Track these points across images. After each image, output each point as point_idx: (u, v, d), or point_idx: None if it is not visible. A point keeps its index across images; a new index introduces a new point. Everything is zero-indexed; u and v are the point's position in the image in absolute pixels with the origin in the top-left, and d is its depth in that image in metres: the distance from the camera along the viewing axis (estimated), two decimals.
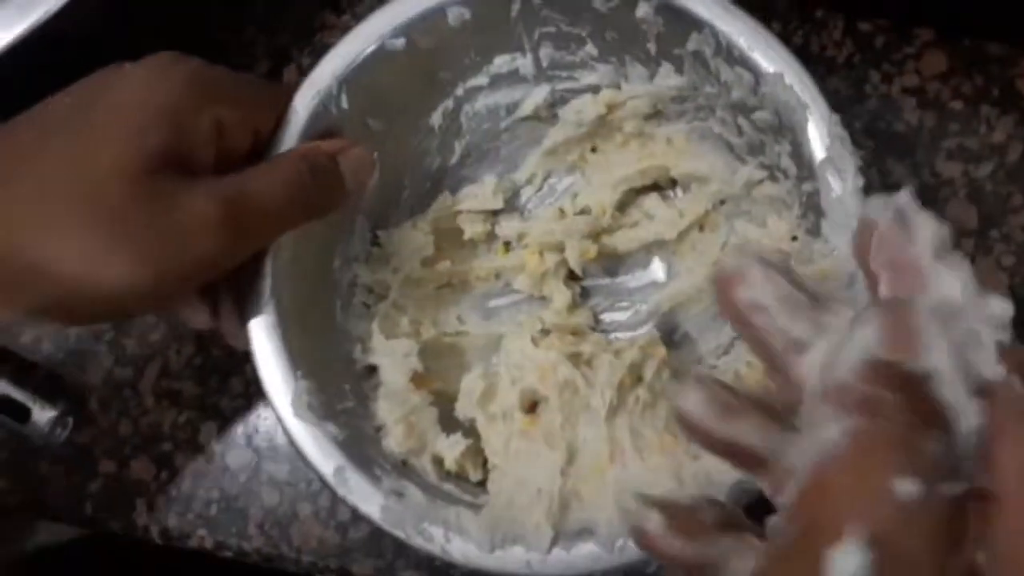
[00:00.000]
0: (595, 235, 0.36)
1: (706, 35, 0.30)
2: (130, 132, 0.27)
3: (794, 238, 0.30)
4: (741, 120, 0.32)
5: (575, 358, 0.33)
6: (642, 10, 0.31)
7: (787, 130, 0.30)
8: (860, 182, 0.28)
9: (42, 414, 0.37)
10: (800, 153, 0.29)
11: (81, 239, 0.26)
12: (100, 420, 0.39)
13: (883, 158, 0.37)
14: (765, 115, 0.30)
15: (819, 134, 0.29)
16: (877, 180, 0.36)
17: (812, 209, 0.29)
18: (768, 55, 0.29)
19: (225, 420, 0.39)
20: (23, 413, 0.37)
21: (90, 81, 0.28)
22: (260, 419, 0.38)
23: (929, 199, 0.36)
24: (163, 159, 0.27)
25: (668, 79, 0.33)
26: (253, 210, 0.28)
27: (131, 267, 0.26)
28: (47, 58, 0.34)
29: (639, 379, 0.32)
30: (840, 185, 0.28)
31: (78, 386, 0.39)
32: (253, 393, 0.39)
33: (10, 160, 0.28)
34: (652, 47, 0.33)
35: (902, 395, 0.17)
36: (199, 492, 0.38)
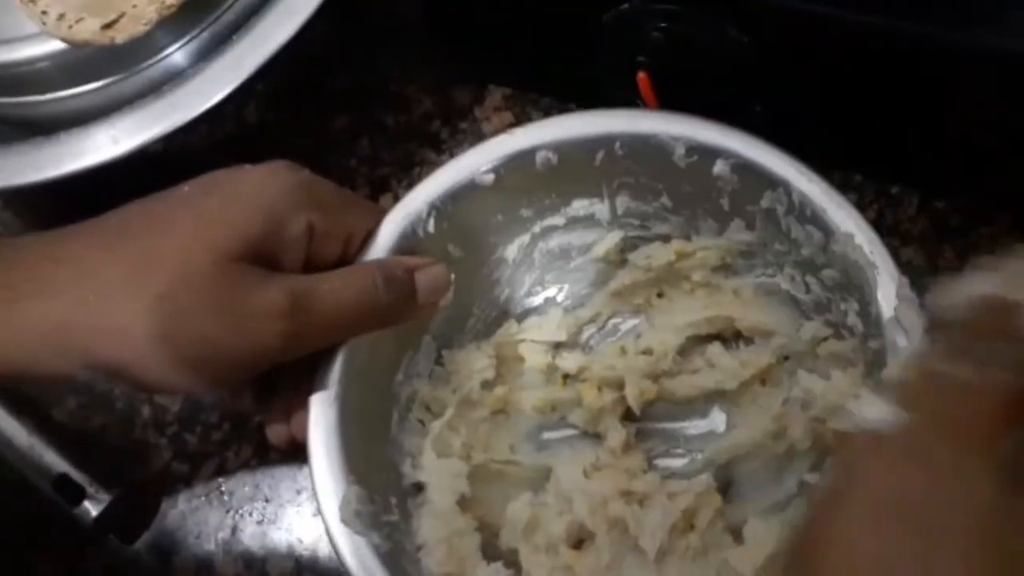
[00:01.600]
0: (655, 376, 0.36)
1: (779, 194, 0.32)
2: (232, 221, 0.29)
3: (857, 396, 0.30)
4: (809, 278, 0.33)
5: (628, 496, 0.32)
6: (719, 167, 0.33)
7: (855, 288, 0.30)
8: (928, 341, 0.28)
9: (94, 500, 0.37)
10: (867, 312, 0.30)
11: (162, 315, 0.28)
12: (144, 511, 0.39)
13: None
14: (833, 273, 0.31)
15: (887, 293, 0.29)
16: None
17: (877, 366, 0.29)
18: (839, 215, 0.31)
19: (271, 526, 0.38)
20: (78, 494, 0.37)
21: (211, 175, 0.31)
22: (306, 529, 0.38)
23: None
24: (254, 250, 0.30)
25: (739, 234, 0.35)
26: (320, 308, 0.30)
27: (199, 351, 0.28)
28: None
29: (692, 526, 0.31)
30: (907, 345, 0.28)
31: (135, 476, 0.39)
32: (304, 501, 0.38)
33: (110, 237, 0.30)
34: (725, 203, 0.34)
35: None
36: None
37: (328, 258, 0.33)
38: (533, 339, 0.38)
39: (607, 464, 0.35)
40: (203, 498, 0.39)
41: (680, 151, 0.33)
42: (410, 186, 0.42)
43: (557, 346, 0.38)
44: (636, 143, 0.34)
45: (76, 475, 0.38)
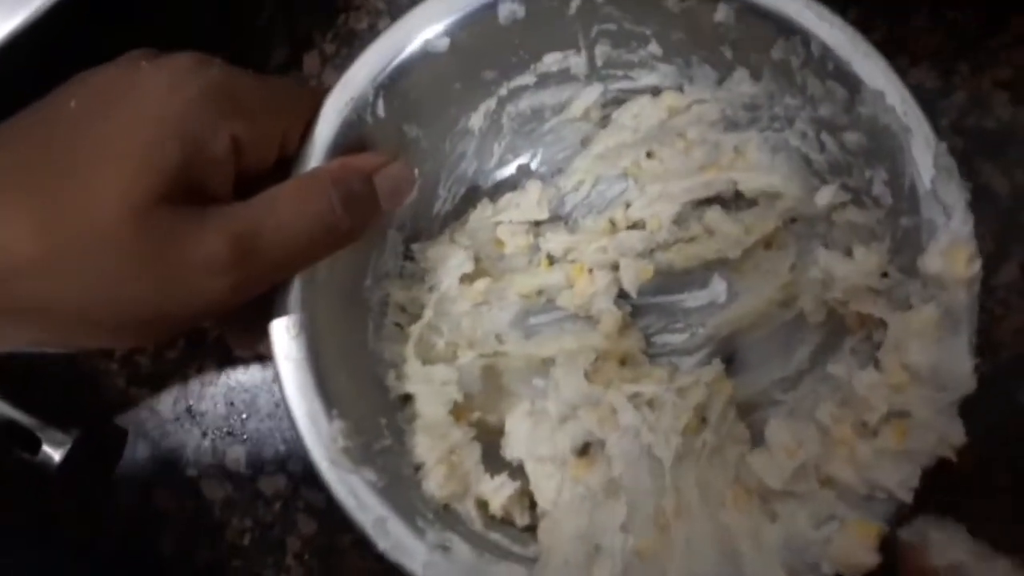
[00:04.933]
0: (650, 251, 0.33)
1: (795, 43, 0.27)
2: (139, 157, 0.24)
3: (885, 275, 0.27)
4: (826, 136, 0.29)
5: (635, 399, 0.30)
6: (722, 13, 0.27)
7: (884, 155, 0.26)
8: (970, 220, 0.25)
9: (54, 444, 0.34)
10: (898, 182, 0.26)
11: (82, 286, 0.23)
12: (111, 445, 0.36)
13: (971, 158, 0.33)
14: (857, 137, 0.27)
15: (923, 163, 0.25)
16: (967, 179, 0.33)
17: (909, 245, 0.26)
18: (868, 69, 0.26)
19: (254, 443, 0.36)
20: (32, 443, 0.34)
21: (102, 83, 0.25)
22: (293, 442, 0.35)
23: (1021, 203, 0.33)
24: (174, 187, 0.24)
25: (741, 85, 0.30)
26: (269, 250, 0.25)
27: (132, 316, 0.24)
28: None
29: (703, 420, 0.30)
30: (946, 222, 0.25)
31: (91, 408, 0.36)
32: (283, 415, 0.36)
33: (6, 177, 0.24)
34: (727, 51, 0.29)
35: None
36: (231, 522, 0.35)
37: (262, 167, 0.27)
38: (512, 219, 0.34)
39: (603, 351, 0.32)
40: (174, 423, 0.36)
41: None
42: (337, 40, 0.35)
43: (538, 223, 0.34)
44: None
45: (27, 420, 0.34)
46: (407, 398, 0.32)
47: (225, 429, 0.36)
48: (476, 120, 0.33)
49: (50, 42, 0.31)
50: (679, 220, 0.33)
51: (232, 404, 0.36)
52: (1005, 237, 0.33)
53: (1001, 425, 0.31)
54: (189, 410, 0.36)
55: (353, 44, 0.37)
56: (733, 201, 0.33)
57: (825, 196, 0.29)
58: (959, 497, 0.26)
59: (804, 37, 0.26)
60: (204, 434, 0.36)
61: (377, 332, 0.32)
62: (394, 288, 0.33)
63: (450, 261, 0.33)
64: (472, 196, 0.35)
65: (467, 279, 0.34)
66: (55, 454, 0.34)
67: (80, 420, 0.35)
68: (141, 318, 0.25)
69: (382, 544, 0.28)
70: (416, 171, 0.30)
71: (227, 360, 0.36)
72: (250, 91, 0.26)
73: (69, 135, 0.24)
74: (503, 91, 0.32)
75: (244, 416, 0.36)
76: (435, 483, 0.30)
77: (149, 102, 0.24)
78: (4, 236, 0.23)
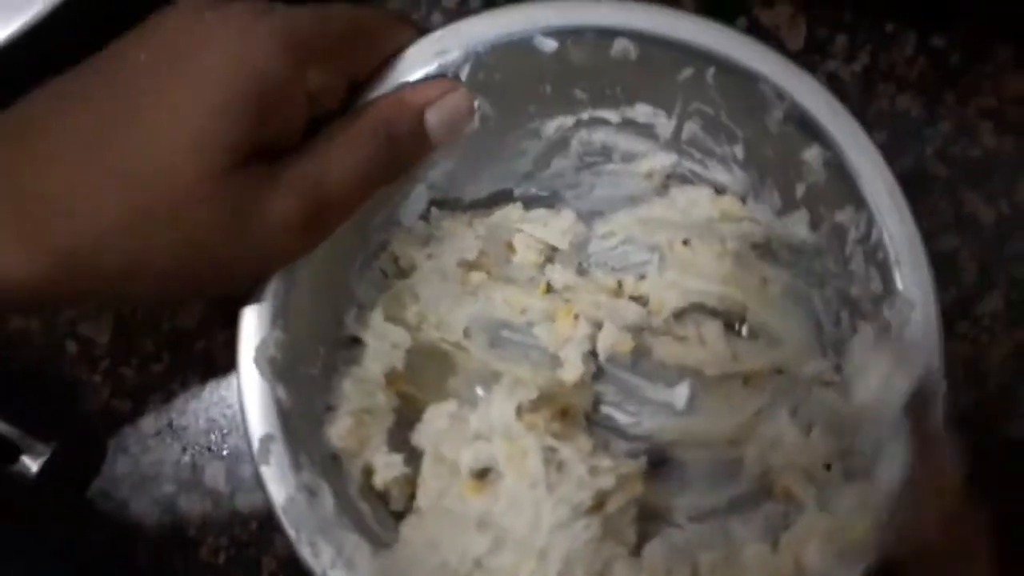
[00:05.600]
0: (639, 329, 0.33)
1: (861, 218, 0.26)
2: (215, 117, 0.23)
3: (828, 467, 0.27)
4: (844, 315, 0.28)
5: (550, 452, 0.30)
6: (811, 154, 0.27)
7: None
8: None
9: (33, 454, 0.33)
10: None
11: (164, 250, 0.24)
12: (90, 457, 0.35)
13: (956, 186, 0.34)
14: (871, 333, 0.27)
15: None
16: (950, 212, 0.33)
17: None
18: (913, 279, 0.25)
19: (234, 459, 0.35)
20: (11, 449, 0.32)
21: (173, 34, 0.24)
22: None
23: (1005, 232, 0.33)
24: (250, 145, 0.24)
25: (797, 227, 0.29)
26: (333, 199, 0.26)
27: (213, 274, 0.26)
28: None
29: (601, 506, 0.29)
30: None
31: (71, 420, 0.35)
32: None
33: (85, 136, 0.24)
34: (800, 189, 0.29)
35: None
36: (207, 539, 0.35)
37: (332, 106, 0.27)
38: (533, 234, 0.34)
39: (550, 394, 0.32)
40: (155, 437, 0.36)
41: (778, 114, 0.27)
42: None
43: (554, 250, 0.34)
44: (733, 80, 0.28)
45: (5, 428, 0.33)
46: (355, 341, 0.32)
47: (205, 444, 0.36)
48: (549, 129, 0.32)
49: (52, 44, 0.30)
50: (680, 315, 0.33)
51: (213, 420, 0.36)
52: (989, 266, 0.33)
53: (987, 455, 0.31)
54: (170, 424, 0.36)
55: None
56: (736, 324, 0.33)
57: (815, 367, 0.29)
58: None
59: (871, 218, 0.26)
60: (184, 449, 0.36)
61: (361, 269, 0.33)
62: (397, 238, 0.33)
63: (459, 241, 0.33)
64: (509, 196, 0.34)
65: (466, 265, 0.34)
66: (33, 464, 0.33)
67: (60, 431, 0.34)
68: (221, 275, 0.26)
69: (260, 460, 0.28)
70: (477, 101, 0.29)
71: (211, 374, 0.36)
72: (318, 33, 0.25)
73: (143, 92, 0.24)
74: (585, 115, 0.32)
75: (225, 432, 0.36)
76: (337, 431, 0.30)
77: (221, 59, 0.24)
78: (85, 204, 0.24)
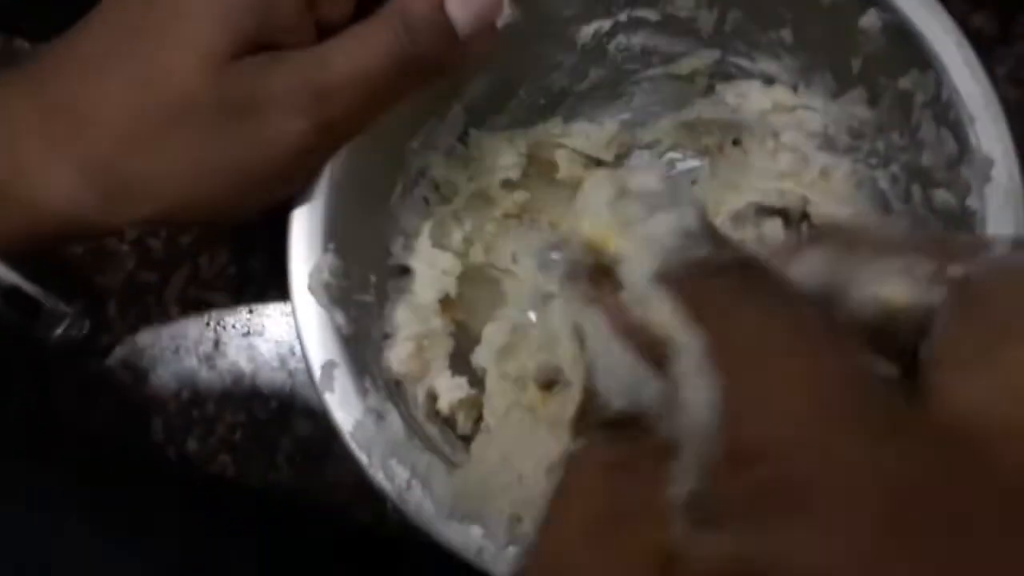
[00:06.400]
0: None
1: (928, 79, 0.25)
2: (212, 16, 0.24)
3: None
4: (915, 188, 0.27)
5: None
6: (868, 19, 0.26)
7: (969, 228, 0.25)
8: None
9: (55, 311, 0.32)
10: None
11: (172, 152, 0.24)
12: (117, 327, 0.35)
13: None
14: (949, 198, 0.26)
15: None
16: (1020, 136, 0.31)
17: None
18: (989, 133, 0.24)
19: (258, 337, 0.35)
20: (33, 308, 0.32)
21: None
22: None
23: None
24: (250, 45, 0.24)
25: (855, 106, 0.28)
26: (342, 88, 0.24)
27: (222, 179, 0.25)
28: None
29: None
30: None
31: (96, 287, 0.35)
32: (290, 311, 0.35)
33: (94, 48, 0.25)
34: (856, 63, 0.27)
35: None
36: (225, 415, 0.34)
37: (342, 13, 0.26)
38: (575, 147, 0.33)
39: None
40: (177, 310, 0.35)
41: None
42: None
43: (598, 163, 0.33)
44: None
45: (29, 287, 0.32)
46: (404, 270, 0.32)
47: (230, 322, 0.35)
48: (584, 35, 0.31)
49: None
50: (737, 217, 0.32)
51: (239, 296, 0.35)
52: None
53: None
54: (196, 299, 0.35)
55: None
56: (797, 220, 0.32)
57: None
58: None
59: (939, 76, 0.25)
60: (207, 324, 0.35)
61: (403, 196, 0.32)
62: (437, 163, 0.32)
63: (500, 161, 0.32)
64: (548, 111, 0.33)
65: (508, 186, 0.33)
66: (56, 327, 0.33)
67: (83, 297, 0.34)
68: (232, 179, 0.25)
69: (323, 387, 0.27)
70: None
71: (240, 248, 0.35)
72: None
73: (149, 5, 0.25)
74: (623, 16, 0.31)
75: (250, 310, 0.35)
76: (398, 355, 0.29)
77: None
78: (102, 112, 0.24)
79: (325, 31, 0.26)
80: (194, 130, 0.24)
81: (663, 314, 0.16)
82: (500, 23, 0.27)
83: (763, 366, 0.14)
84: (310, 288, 0.27)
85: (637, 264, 0.17)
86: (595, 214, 0.18)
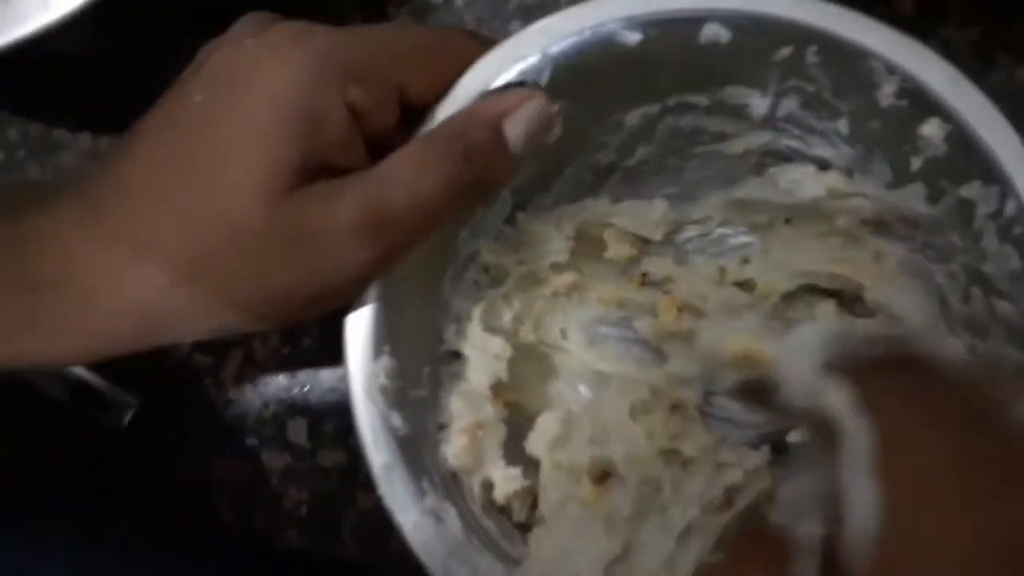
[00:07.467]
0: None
1: (992, 192, 0.25)
2: (261, 147, 0.24)
3: None
4: (976, 291, 0.27)
5: (671, 454, 0.29)
6: (930, 129, 0.25)
7: None
8: None
9: (122, 402, 0.34)
10: None
11: (231, 286, 0.25)
12: (176, 411, 0.36)
13: None
14: (1013, 310, 0.25)
15: None
16: None
17: None
18: None
19: (315, 417, 0.36)
20: (100, 402, 0.33)
21: (223, 69, 0.25)
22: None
23: None
24: (303, 171, 0.24)
25: (912, 200, 0.28)
26: (401, 215, 0.25)
27: (284, 302, 0.25)
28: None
29: (729, 503, 0.29)
30: None
31: (155, 373, 0.36)
32: (344, 390, 0.35)
33: (151, 185, 0.25)
34: (916, 162, 0.27)
35: None
36: (288, 492, 0.35)
37: (388, 124, 0.26)
38: (624, 227, 0.33)
39: (657, 390, 0.31)
40: (235, 390, 0.36)
41: (890, 89, 0.25)
42: (412, 13, 0.33)
43: (646, 242, 0.33)
44: (837, 57, 0.26)
45: (95, 380, 0.34)
46: (456, 355, 0.32)
47: (287, 401, 0.36)
48: (632, 118, 0.31)
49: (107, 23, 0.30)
50: (789, 299, 0.32)
51: (295, 376, 0.36)
52: None
53: None
54: (252, 380, 0.36)
55: (426, 16, 0.35)
56: (850, 304, 0.31)
57: (950, 348, 0.27)
58: None
59: (1005, 190, 0.24)
60: (266, 405, 0.36)
61: (454, 283, 0.32)
62: (486, 248, 0.32)
63: (548, 244, 0.32)
64: (594, 188, 0.33)
65: (557, 267, 0.33)
66: (123, 417, 0.34)
67: (145, 386, 0.35)
68: (293, 303, 0.25)
69: (383, 488, 0.28)
70: (557, 106, 0.28)
71: (294, 330, 0.36)
72: (359, 52, 0.25)
73: (200, 133, 0.25)
74: (671, 101, 0.30)
75: (306, 388, 0.36)
76: (453, 449, 0.30)
77: (261, 87, 0.24)
78: (162, 243, 0.24)
79: (375, 143, 0.26)
80: (255, 262, 0.24)
81: (830, 401, 0.16)
82: (551, 140, 0.27)
83: (923, 493, 0.15)
84: (367, 393, 0.28)
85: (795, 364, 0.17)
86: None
